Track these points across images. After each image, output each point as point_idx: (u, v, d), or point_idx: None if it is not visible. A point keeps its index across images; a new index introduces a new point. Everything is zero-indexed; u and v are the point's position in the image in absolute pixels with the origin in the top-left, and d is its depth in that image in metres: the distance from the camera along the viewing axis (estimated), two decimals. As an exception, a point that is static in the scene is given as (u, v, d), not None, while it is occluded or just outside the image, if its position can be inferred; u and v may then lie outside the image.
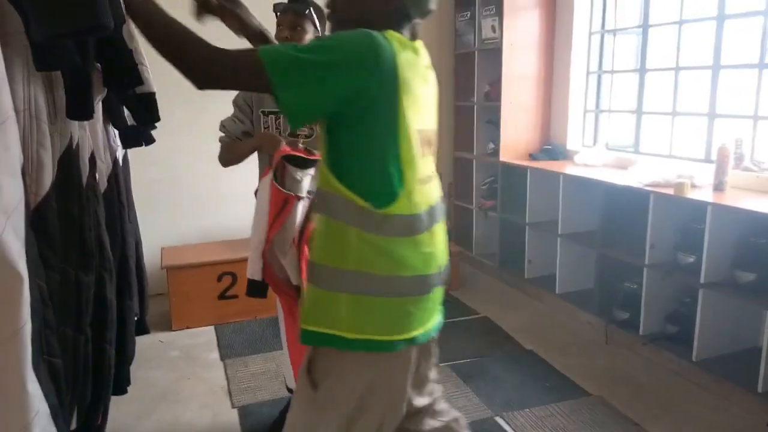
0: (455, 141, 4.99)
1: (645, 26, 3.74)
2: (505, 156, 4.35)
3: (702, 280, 2.81)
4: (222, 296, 3.81)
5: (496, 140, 4.42)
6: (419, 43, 1.42)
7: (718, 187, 2.95)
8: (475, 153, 4.72)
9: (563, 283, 3.87)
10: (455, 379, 3.05)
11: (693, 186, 3.01)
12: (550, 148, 4.34)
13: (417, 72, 1.34)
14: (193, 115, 4.13)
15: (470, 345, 3.43)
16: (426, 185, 1.37)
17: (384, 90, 1.25)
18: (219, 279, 3.78)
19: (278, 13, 2.22)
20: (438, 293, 1.46)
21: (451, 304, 4.07)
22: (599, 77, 4.22)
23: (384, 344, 1.33)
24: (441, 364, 3.17)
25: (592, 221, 3.59)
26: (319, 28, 2.22)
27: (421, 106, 1.34)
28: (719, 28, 3.24)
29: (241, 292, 3.73)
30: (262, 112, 2.36)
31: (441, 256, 1.43)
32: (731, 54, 3.27)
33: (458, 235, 5.04)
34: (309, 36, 2.20)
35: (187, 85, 1.25)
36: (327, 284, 1.33)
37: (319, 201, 1.37)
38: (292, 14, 2.17)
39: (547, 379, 3.03)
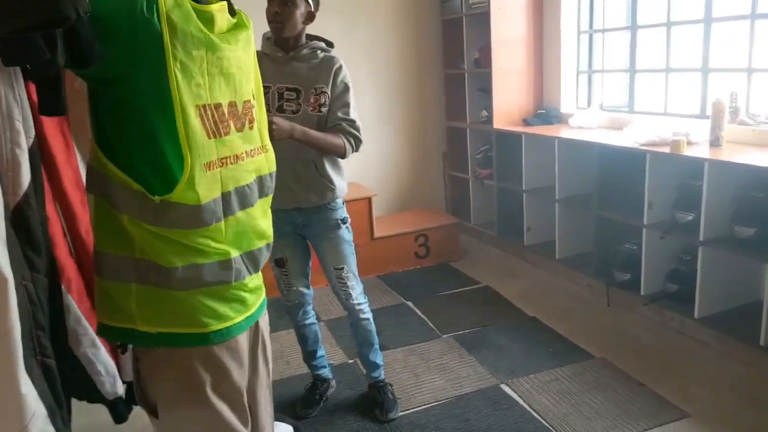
0: (447, 110, 4.93)
1: (634, -18, 3.66)
2: (498, 123, 4.30)
3: (701, 237, 2.80)
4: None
5: (488, 107, 4.36)
6: (221, 5, 1.21)
7: (715, 142, 2.92)
8: (468, 121, 4.67)
9: (563, 249, 3.86)
10: (459, 349, 3.06)
11: (689, 143, 2.98)
12: (543, 112, 4.29)
13: (208, 36, 1.14)
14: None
15: (472, 315, 3.43)
16: (229, 167, 1.21)
17: (140, 56, 1.06)
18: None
19: None
20: (249, 281, 1.31)
21: (451, 275, 4.10)
22: (590, 37, 4.15)
23: (185, 338, 1.21)
24: (444, 336, 3.19)
25: (589, 184, 3.56)
26: (311, 2, 2.15)
27: (220, 76, 1.18)
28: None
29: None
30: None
31: (249, 241, 1.30)
32: (723, 6, 3.21)
33: (455, 205, 5.02)
34: (300, 11, 2.12)
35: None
36: (112, 273, 1.19)
37: (89, 179, 1.18)
38: None
39: (551, 344, 3.04)
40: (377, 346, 2.56)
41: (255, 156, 1.30)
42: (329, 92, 2.20)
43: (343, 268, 2.37)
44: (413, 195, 4.94)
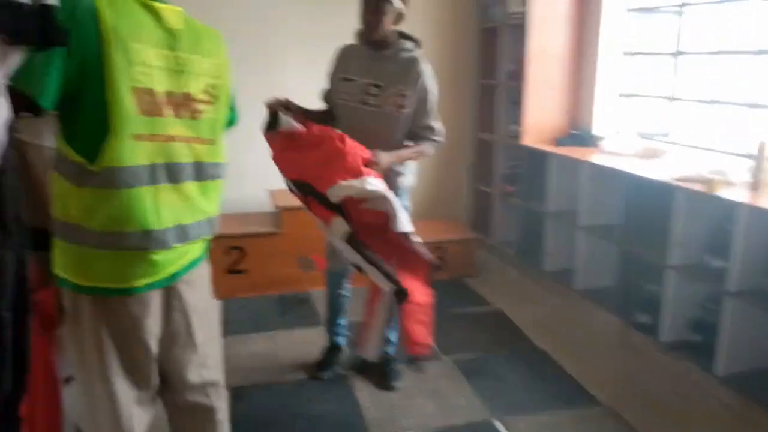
0: (479, 122, 4.75)
1: (682, 5, 3.42)
2: (528, 140, 4.11)
3: (730, 288, 2.57)
4: (230, 270, 3.72)
5: (520, 123, 4.17)
6: (173, 9, 1.45)
7: (755, 186, 2.68)
8: (496, 135, 4.48)
9: (582, 279, 3.65)
10: (457, 374, 2.91)
11: (727, 183, 2.75)
12: (577, 133, 4.08)
13: (146, 33, 1.37)
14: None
15: (478, 339, 3.27)
16: (160, 143, 1.40)
17: (81, 42, 1.28)
18: (226, 253, 3.68)
19: None
20: (171, 251, 1.46)
21: (464, 293, 3.94)
22: (632, 58, 3.91)
23: (85, 289, 1.41)
24: (444, 357, 3.03)
25: (615, 214, 3.35)
26: (402, 2, 2.35)
27: (163, 69, 1.40)
28: (768, 7, 2.93)
29: (250, 267, 3.66)
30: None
31: (180, 214, 1.47)
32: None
33: (476, 219, 4.84)
34: (389, 16, 2.33)
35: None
36: (57, 236, 1.42)
37: (55, 163, 1.42)
38: None
39: (557, 382, 2.86)
40: (394, 324, 2.51)
41: (195, 144, 1.49)
42: (410, 95, 2.39)
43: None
44: (435, 204, 4.77)
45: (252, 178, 4.22)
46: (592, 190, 3.51)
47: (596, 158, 3.59)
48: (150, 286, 1.45)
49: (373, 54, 2.42)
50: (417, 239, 2.21)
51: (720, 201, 2.61)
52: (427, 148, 2.50)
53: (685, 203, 2.79)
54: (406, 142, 2.50)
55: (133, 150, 1.35)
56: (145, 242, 1.39)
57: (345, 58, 2.52)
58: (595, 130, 4.06)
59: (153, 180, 1.40)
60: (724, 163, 2.94)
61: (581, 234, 3.58)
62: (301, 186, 2.25)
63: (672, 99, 3.54)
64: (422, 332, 2.19)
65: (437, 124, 2.51)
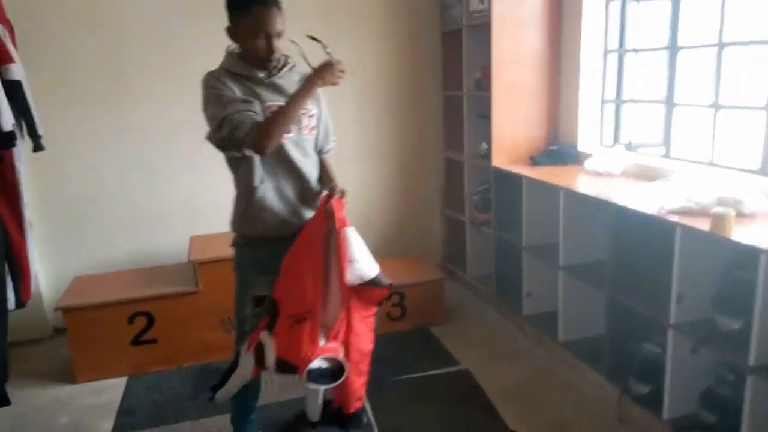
0: (446, 139, 4.12)
1: (678, -13, 2.77)
2: (498, 159, 3.46)
3: (752, 361, 1.90)
4: (137, 341, 3.08)
5: (489, 139, 3.53)
6: None
7: (780, 218, 2.02)
8: (465, 154, 3.84)
9: (567, 328, 2.99)
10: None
11: (741, 215, 2.09)
12: (555, 149, 3.43)
13: None
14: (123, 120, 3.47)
15: (434, 418, 2.60)
16: None
17: None
18: (130, 321, 3.05)
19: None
20: None
21: (427, 348, 3.26)
22: (620, 57, 3.27)
23: None
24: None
25: (601, 253, 2.69)
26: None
27: None
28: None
29: (161, 335, 3.04)
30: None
31: None
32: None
33: (451, 251, 4.20)
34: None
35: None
36: None
37: None
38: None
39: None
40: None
41: None
42: (316, 113, 2.07)
43: None
44: (402, 235, 4.15)
45: (172, 223, 3.63)
46: (573, 222, 2.85)
47: (579, 180, 2.95)
48: None
49: (266, 76, 1.97)
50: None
51: (733, 244, 1.94)
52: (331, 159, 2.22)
53: (687, 245, 2.13)
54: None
55: None
56: None
57: (242, 85, 1.93)
58: (581, 145, 3.41)
59: None
60: (738, 182, 2.28)
61: (563, 274, 2.92)
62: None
63: (669, 103, 2.89)
64: (362, 386, 2.06)
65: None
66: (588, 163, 3.10)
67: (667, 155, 2.92)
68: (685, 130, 2.88)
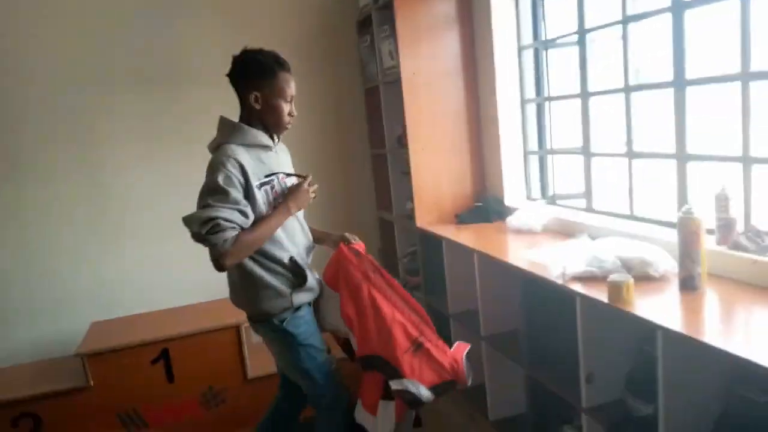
0: (377, 197, 3.91)
1: (582, 31, 2.62)
2: (423, 219, 3.24)
3: (665, 452, 1.62)
4: (23, 445, 2.76)
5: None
6: None
7: (687, 283, 1.77)
8: (394, 214, 3.62)
9: (495, 405, 2.70)
10: None
11: (649, 278, 1.85)
12: (481, 205, 3.21)
13: None
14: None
15: None
16: None
17: None
18: (14, 424, 2.74)
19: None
20: None
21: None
22: (539, 107, 3.09)
23: None
24: None
25: (518, 320, 2.42)
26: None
27: None
28: (677, 20, 2.11)
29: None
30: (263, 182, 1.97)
31: None
32: (704, 62, 2.13)
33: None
34: None
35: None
36: None
37: None
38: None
39: None
40: None
41: None
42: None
43: None
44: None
45: (72, 308, 3.36)
46: (489, 289, 2.61)
47: (498, 240, 2.72)
48: None
49: (274, 145, 2.05)
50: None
51: (631, 316, 1.69)
52: None
53: (592, 316, 1.88)
54: None
55: None
56: None
57: (255, 159, 1.93)
58: (508, 199, 3.19)
59: None
60: (654, 240, 2.05)
61: (485, 347, 2.65)
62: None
63: (587, 153, 2.68)
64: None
65: None
66: (509, 220, 2.88)
67: (589, 207, 2.70)
68: (606, 181, 2.68)
